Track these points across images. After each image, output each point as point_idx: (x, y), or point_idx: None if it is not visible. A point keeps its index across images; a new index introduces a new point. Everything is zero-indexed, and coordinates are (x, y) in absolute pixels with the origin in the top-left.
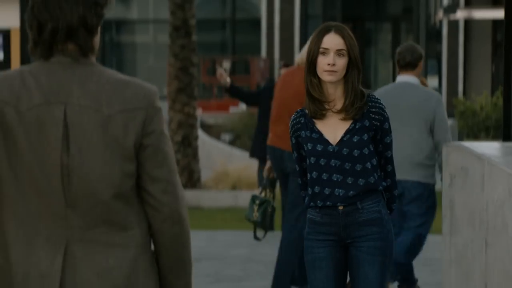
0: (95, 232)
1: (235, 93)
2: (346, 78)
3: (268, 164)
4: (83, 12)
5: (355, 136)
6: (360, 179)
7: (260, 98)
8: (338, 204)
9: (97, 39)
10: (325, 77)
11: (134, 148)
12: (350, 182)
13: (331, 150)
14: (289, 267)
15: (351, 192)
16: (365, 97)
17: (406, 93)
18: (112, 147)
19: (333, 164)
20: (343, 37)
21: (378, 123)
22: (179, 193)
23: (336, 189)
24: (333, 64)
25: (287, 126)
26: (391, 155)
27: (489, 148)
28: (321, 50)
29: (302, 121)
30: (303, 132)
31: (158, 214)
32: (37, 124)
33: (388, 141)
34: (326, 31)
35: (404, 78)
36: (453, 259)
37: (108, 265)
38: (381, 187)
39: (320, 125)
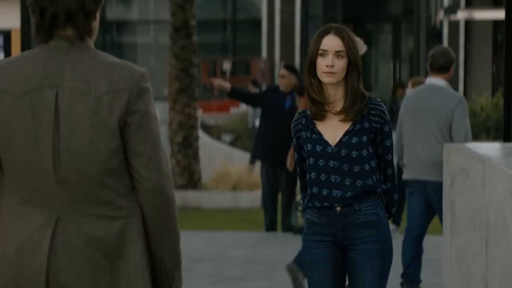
0: (84, 205)
1: (236, 96)
2: (346, 79)
3: None
4: None
5: (354, 138)
6: (358, 181)
7: (262, 100)
8: (336, 205)
9: (95, 24)
10: (324, 78)
11: (118, 126)
12: (348, 184)
13: (329, 151)
14: None
15: (349, 193)
16: (366, 99)
17: (431, 95)
18: (99, 126)
19: (332, 165)
20: (342, 38)
21: (378, 126)
22: (162, 168)
23: (334, 190)
24: (332, 66)
25: None
26: (391, 159)
27: (490, 149)
28: (320, 51)
29: (303, 122)
30: (303, 133)
31: (141, 187)
32: (31, 108)
33: (388, 144)
34: (326, 32)
35: (432, 80)
36: (453, 260)
37: (97, 235)
38: (379, 190)
39: (321, 126)
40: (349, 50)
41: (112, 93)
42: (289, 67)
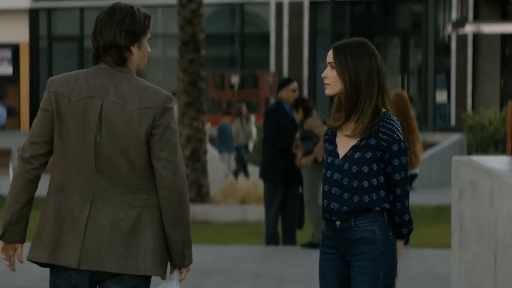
0: (114, 192)
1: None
2: None
3: None
4: (113, 36)
5: (358, 153)
6: (355, 196)
7: (268, 120)
8: (334, 218)
9: (131, 55)
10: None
11: (145, 136)
12: (346, 198)
13: (336, 163)
14: None
15: (345, 207)
16: (380, 116)
17: None
18: (130, 134)
19: (335, 178)
20: (334, 50)
21: (385, 144)
22: (177, 170)
23: (332, 202)
24: (325, 77)
25: None
26: (400, 179)
27: (498, 162)
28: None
29: (329, 133)
30: (327, 144)
31: (160, 184)
32: (82, 111)
33: (396, 164)
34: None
35: None
36: (462, 274)
37: (119, 217)
38: (378, 208)
39: (339, 139)
40: (337, 62)
41: (142, 110)
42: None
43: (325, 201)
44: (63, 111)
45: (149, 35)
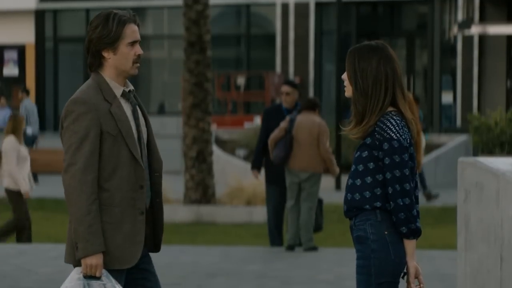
0: None
1: (261, 160)
2: None
3: None
4: (87, 43)
5: (357, 152)
6: (349, 194)
7: (265, 126)
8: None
9: (106, 59)
10: None
11: (61, 138)
12: (347, 198)
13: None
14: None
15: (345, 207)
16: (376, 118)
17: None
18: None
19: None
20: (347, 53)
21: (377, 142)
22: (66, 167)
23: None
24: (344, 79)
25: None
26: (392, 177)
27: (504, 163)
28: None
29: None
30: None
31: None
32: None
33: (387, 162)
34: None
35: None
36: (468, 275)
37: None
38: (368, 206)
39: None
40: (347, 64)
41: None
42: (291, 83)
43: None
44: None
45: (129, 39)
